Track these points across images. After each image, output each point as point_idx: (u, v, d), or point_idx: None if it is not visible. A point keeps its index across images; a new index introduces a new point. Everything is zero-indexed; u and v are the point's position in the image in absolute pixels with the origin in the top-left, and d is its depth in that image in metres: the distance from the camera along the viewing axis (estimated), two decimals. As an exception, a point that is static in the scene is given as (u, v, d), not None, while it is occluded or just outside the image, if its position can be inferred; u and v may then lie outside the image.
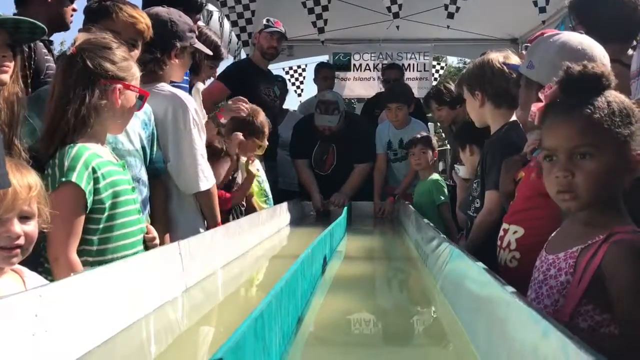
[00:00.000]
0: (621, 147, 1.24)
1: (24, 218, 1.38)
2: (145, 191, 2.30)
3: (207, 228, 2.68)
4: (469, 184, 2.76)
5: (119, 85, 1.86)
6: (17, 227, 1.35)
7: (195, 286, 1.93)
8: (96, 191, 1.76)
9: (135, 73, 1.94)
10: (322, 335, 1.50)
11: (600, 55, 1.80)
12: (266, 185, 4.02)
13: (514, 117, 2.34)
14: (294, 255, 1.70)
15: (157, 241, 2.01)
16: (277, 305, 1.20)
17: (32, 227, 1.40)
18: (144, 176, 2.31)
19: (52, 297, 1.13)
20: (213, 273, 2.17)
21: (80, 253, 1.74)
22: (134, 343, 1.40)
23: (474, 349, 1.26)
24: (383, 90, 5.75)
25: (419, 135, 4.31)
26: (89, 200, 1.73)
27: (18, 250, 1.35)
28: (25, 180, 1.38)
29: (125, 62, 1.91)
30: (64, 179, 1.70)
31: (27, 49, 2.48)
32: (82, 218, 1.73)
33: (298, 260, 1.66)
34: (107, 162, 1.84)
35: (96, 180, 1.76)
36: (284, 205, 4.08)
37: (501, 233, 1.88)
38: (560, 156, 1.26)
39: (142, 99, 1.97)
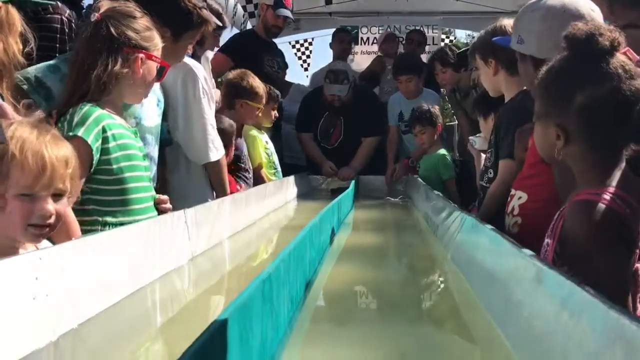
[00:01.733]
0: None
1: (57, 195, 1.30)
2: (154, 169, 2.26)
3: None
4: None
5: (141, 55, 1.83)
6: (51, 205, 1.27)
7: (201, 255, 1.90)
8: (105, 151, 1.72)
9: (157, 44, 1.90)
10: (332, 303, 1.46)
11: (586, 9, 1.75)
12: (275, 158, 3.98)
13: (528, 85, 2.28)
14: (301, 227, 1.66)
15: (169, 205, 1.98)
16: (285, 270, 1.16)
17: (63, 205, 1.32)
18: (155, 154, 2.28)
19: (53, 261, 1.09)
20: (219, 243, 2.14)
21: (91, 212, 1.71)
22: (138, 310, 1.36)
23: (490, 317, 1.22)
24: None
25: (417, 113, 4.20)
26: (96, 157, 1.70)
27: (48, 229, 1.29)
28: (62, 154, 1.30)
29: (149, 31, 1.87)
30: (71, 133, 1.65)
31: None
32: (83, 177, 1.67)
33: (306, 227, 1.62)
34: (119, 125, 1.80)
35: (105, 140, 1.72)
36: (291, 178, 4.04)
37: (509, 199, 1.86)
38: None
39: (162, 70, 1.94)
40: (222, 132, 2.79)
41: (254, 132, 3.75)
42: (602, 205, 1.18)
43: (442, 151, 4.20)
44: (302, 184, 4.37)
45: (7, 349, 0.93)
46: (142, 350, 1.18)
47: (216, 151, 2.61)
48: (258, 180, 3.59)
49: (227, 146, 2.86)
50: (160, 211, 1.90)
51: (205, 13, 2.41)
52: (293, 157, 4.98)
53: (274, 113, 4.00)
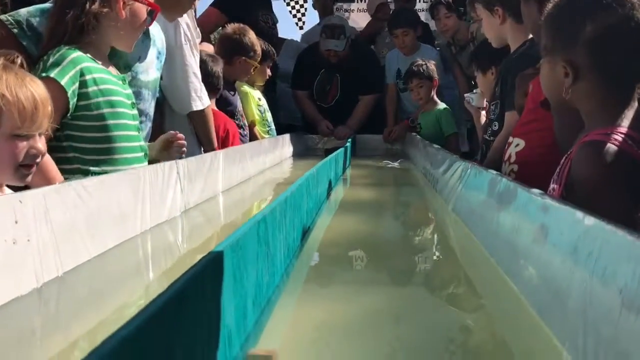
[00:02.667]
0: None
1: (39, 135, 1.29)
2: (149, 125, 2.18)
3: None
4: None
5: None
6: (40, 144, 1.28)
7: (194, 208, 1.84)
8: (83, 95, 1.64)
9: None
10: (329, 252, 1.41)
11: None
12: (268, 116, 3.89)
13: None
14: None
15: (185, 148, 1.93)
16: (281, 214, 1.10)
17: (44, 143, 1.31)
18: (151, 111, 2.18)
19: (34, 205, 1.02)
20: (213, 197, 2.08)
21: (72, 160, 1.66)
22: (128, 261, 1.30)
23: (496, 265, 1.17)
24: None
25: (414, 68, 4.08)
26: (72, 102, 1.62)
27: (35, 168, 1.29)
28: (45, 92, 1.29)
29: None
30: (44, 74, 1.57)
31: None
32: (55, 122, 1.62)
33: (303, 177, 1.56)
34: (101, 69, 1.71)
35: (83, 84, 1.64)
36: (287, 136, 3.97)
37: (506, 147, 1.80)
38: None
39: (152, 14, 1.84)
40: (213, 75, 2.71)
41: (246, 87, 3.65)
42: (612, 146, 1.12)
43: (442, 105, 4.11)
44: (298, 143, 4.29)
45: (-15, 294, 0.87)
46: (131, 301, 1.12)
47: (200, 101, 2.51)
48: (251, 138, 3.52)
49: (216, 91, 2.78)
50: (175, 148, 1.88)
51: None
52: (288, 116, 4.88)
53: (268, 71, 3.90)
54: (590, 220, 0.74)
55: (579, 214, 0.78)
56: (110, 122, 1.70)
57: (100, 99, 1.68)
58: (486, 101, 2.81)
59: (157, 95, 2.32)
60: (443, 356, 0.79)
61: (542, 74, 1.33)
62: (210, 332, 0.62)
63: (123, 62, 1.98)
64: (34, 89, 1.25)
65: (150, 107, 2.16)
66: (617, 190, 1.10)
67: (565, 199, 1.14)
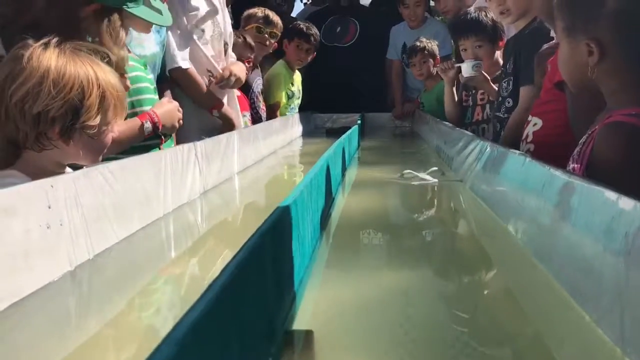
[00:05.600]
0: None
1: None
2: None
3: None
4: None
5: None
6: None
7: (212, 190, 1.85)
8: None
9: None
10: (348, 232, 1.42)
11: None
12: (296, 101, 3.95)
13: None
14: (310, 163, 1.61)
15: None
16: (308, 196, 1.11)
17: None
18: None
19: (65, 189, 1.03)
20: (229, 178, 2.09)
21: None
22: (153, 242, 1.32)
23: (519, 241, 1.18)
24: None
25: (417, 43, 4.06)
26: None
27: None
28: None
29: None
30: None
31: None
32: None
33: (322, 158, 1.56)
34: (129, 56, 1.71)
35: None
36: (296, 116, 3.97)
37: (525, 125, 1.80)
38: None
39: None
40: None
41: (282, 69, 3.69)
42: (637, 128, 1.12)
43: (442, 83, 4.07)
44: (307, 123, 4.29)
45: (24, 278, 0.88)
46: (160, 282, 1.14)
47: (182, 60, 2.45)
48: (271, 117, 3.54)
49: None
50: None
51: None
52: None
53: (308, 58, 3.91)
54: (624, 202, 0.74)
55: (610, 194, 0.79)
56: (137, 109, 1.72)
57: (130, 87, 1.68)
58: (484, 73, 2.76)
59: (159, 71, 2.30)
60: (462, 335, 0.81)
61: (562, 56, 1.32)
62: (256, 315, 0.64)
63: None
64: (114, 78, 1.24)
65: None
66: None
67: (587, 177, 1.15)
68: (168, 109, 1.78)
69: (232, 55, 2.88)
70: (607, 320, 0.73)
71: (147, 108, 1.75)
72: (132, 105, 1.71)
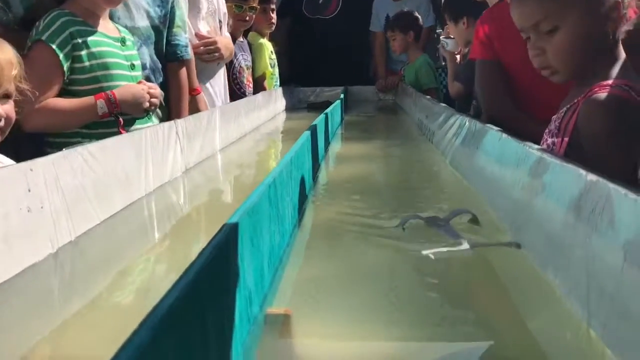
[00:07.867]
0: (590, 3, 1.19)
1: (4, 97, 1.28)
2: (144, 75, 2.11)
3: None
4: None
5: None
6: (0, 108, 1.26)
7: (194, 168, 1.86)
8: (77, 58, 1.64)
9: None
10: (331, 207, 1.43)
11: None
12: (276, 70, 3.91)
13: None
14: (293, 139, 1.61)
15: (157, 100, 1.85)
16: (287, 175, 1.12)
17: (10, 107, 1.31)
18: (148, 60, 2.09)
19: (45, 172, 1.04)
20: (212, 155, 2.10)
21: None
22: (135, 222, 1.33)
23: (493, 214, 1.20)
24: None
25: (398, 15, 4.07)
26: (66, 66, 1.62)
27: None
28: (7, 56, 1.28)
29: None
30: (36, 38, 1.58)
31: None
32: (55, 83, 1.62)
33: (303, 135, 1.57)
34: (92, 31, 1.69)
35: (76, 47, 1.63)
36: (279, 90, 3.95)
37: None
38: (530, 35, 1.25)
39: None
40: None
41: (261, 40, 3.66)
42: (621, 98, 1.13)
43: (421, 57, 4.05)
44: (290, 97, 4.28)
45: (5, 262, 0.89)
46: (143, 262, 1.15)
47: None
48: (259, 90, 3.52)
49: None
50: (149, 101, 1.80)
51: None
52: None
53: (273, 16, 3.79)
54: (593, 177, 0.76)
55: (581, 171, 0.81)
56: (104, 84, 1.69)
57: (93, 62, 1.67)
58: (460, 47, 2.89)
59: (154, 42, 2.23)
60: (443, 303, 0.83)
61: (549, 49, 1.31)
62: (234, 296, 0.65)
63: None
64: None
65: (145, 56, 2.06)
66: (629, 141, 1.10)
67: (569, 153, 1.16)
68: (133, 90, 1.75)
69: (227, 36, 2.89)
70: (575, 293, 0.75)
71: (117, 83, 1.73)
72: (98, 79, 1.69)
